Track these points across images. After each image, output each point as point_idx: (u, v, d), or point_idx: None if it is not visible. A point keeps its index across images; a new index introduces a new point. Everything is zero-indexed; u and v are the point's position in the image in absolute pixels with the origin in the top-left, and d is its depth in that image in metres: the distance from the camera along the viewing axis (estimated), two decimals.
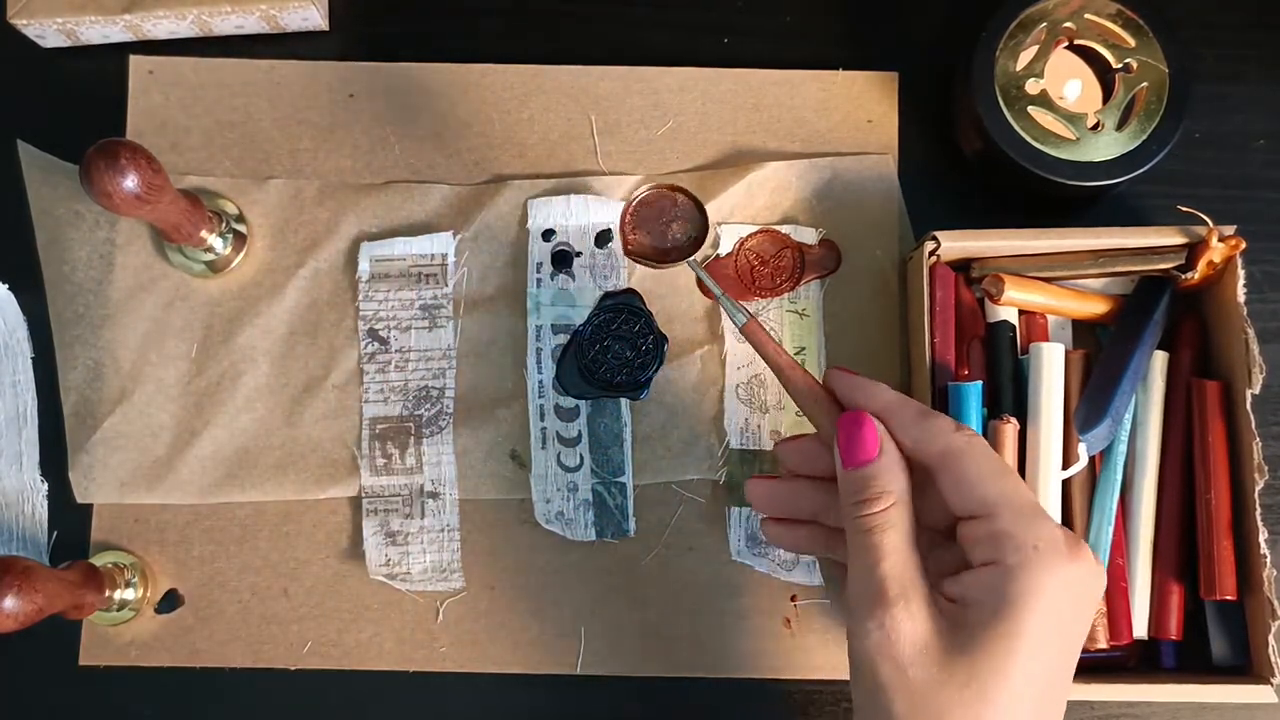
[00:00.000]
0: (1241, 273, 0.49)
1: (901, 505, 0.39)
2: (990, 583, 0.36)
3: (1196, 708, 0.52)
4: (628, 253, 0.47)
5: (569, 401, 0.53)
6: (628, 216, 0.46)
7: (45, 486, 0.53)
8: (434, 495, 0.53)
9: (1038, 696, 0.36)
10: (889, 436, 0.40)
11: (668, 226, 0.47)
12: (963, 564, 0.38)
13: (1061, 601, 0.36)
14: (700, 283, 0.44)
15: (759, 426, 0.53)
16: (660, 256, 0.47)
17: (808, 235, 0.54)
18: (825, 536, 0.43)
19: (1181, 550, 0.49)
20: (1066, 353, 0.50)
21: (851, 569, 0.39)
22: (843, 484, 0.40)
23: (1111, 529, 0.48)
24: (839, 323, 0.54)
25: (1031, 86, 0.51)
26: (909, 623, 0.37)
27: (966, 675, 0.36)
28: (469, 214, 0.54)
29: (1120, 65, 0.51)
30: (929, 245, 0.49)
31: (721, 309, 0.42)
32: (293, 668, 0.52)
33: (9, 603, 0.42)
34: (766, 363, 0.43)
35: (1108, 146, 0.51)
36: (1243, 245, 0.48)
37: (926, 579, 0.38)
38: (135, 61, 0.55)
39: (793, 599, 0.52)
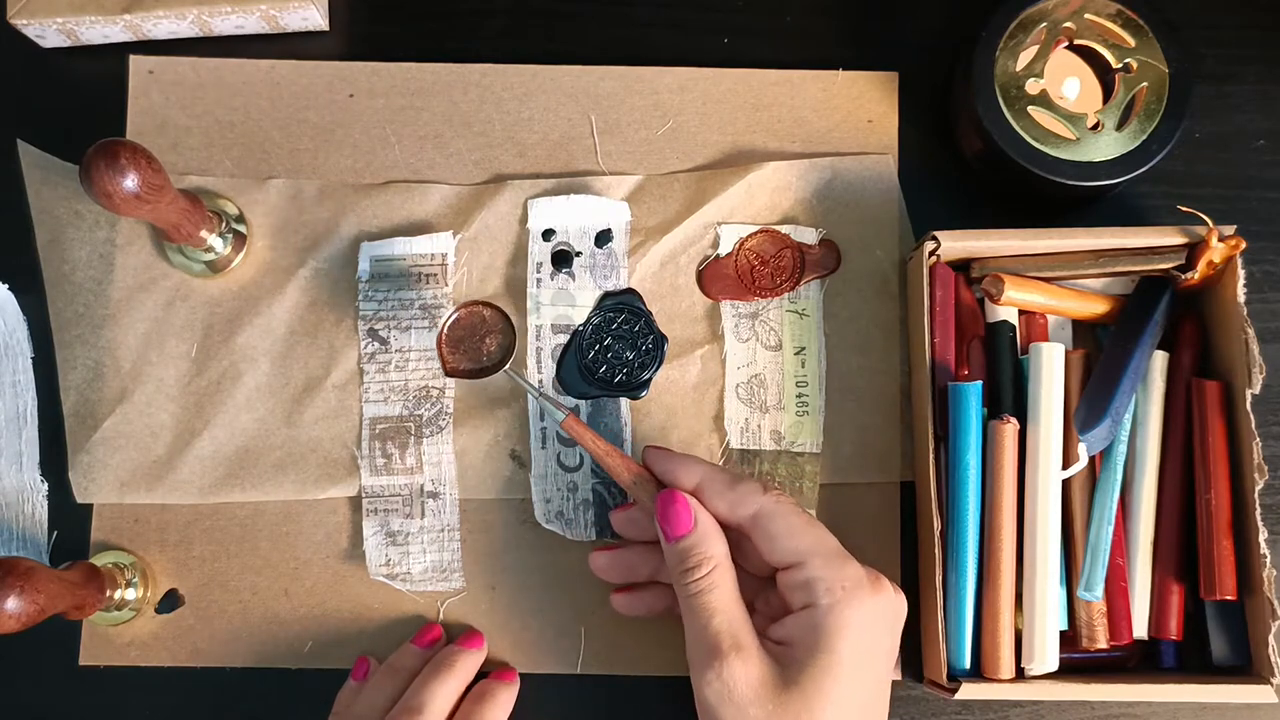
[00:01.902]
0: (1241, 273, 0.49)
1: (722, 567, 0.44)
2: (809, 623, 0.42)
3: (1196, 708, 0.52)
4: (447, 373, 0.50)
5: (569, 401, 0.53)
6: (443, 338, 0.50)
7: (45, 486, 0.53)
8: (434, 495, 0.53)
9: (861, 711, 0.42)
10: (702, 508, 0.45)
11: (481, 342, 0.50)
12: (784, 607, 0.44)
13: (870, 628, 0.42)
14: (519, 383, 0.50)
15: (759, 426, 0.53)
16: (478, 374, 0.50)
17: (808, 235, 0.54)
18: (666, 594, 0.49)
19: (1181, 550, 0.49)
20: (1066, 353, 0.50)
21: (687, 629, 0.44)
22: (668, 556, 0.45)
23: (1111, 529, 0.48)
24: (839, 323, 0.54)
25: (1031, 86, 0.51)
26: (743, 669, 0.42)
27: (799, 705, 0.41)
28: (469, 214, 0.54)
29: (1120, 65, 0.51)
30: (929, 245, 0.49)
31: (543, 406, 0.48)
32: (293, 668, 0.52)
33: (11, 604, 0.42)
34: (588, 452, 0.47)
35: (1108, 146, 0.51)
36: (1243, 245, 0.48)
37: (754, 627, 0.43)
38: (135, 61, 0.55)
39: None
